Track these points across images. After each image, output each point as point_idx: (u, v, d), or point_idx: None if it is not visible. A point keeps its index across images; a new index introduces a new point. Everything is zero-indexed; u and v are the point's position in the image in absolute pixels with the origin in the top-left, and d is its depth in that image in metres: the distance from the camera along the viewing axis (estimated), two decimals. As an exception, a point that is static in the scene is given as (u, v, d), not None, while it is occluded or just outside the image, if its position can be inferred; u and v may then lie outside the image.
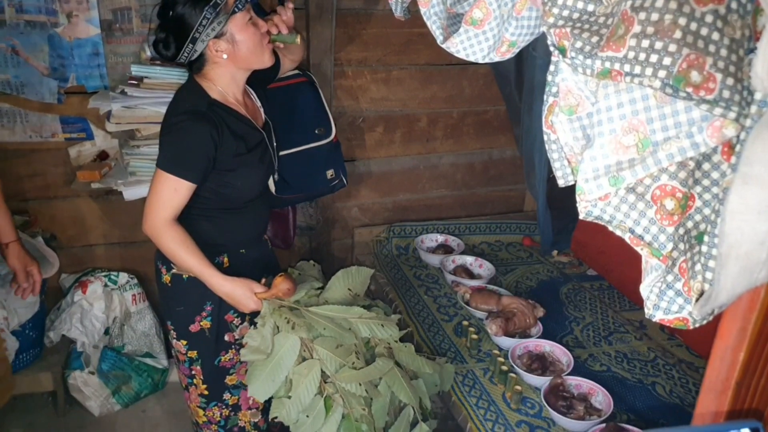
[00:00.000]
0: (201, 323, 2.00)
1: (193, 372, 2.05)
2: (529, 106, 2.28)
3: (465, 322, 2.43)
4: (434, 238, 3.13)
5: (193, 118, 1.81)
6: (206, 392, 2.07)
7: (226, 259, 2.01)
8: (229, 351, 2.05)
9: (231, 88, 1.92)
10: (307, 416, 1.82)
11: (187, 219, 1.89)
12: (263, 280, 1.92)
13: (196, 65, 1.88)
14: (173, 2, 1.77)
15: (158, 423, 2.70)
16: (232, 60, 1.85)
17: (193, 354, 2.03)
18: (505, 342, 2.28)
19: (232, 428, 2.13)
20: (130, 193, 2.52)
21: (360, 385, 1.83)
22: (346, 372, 1.85)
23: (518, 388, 2.04)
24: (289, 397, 1.82)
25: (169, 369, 2.86)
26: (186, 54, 1.82)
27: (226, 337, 2.04)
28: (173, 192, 1.81)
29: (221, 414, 2.10)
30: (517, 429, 1.95)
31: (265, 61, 1.91)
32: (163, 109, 2.48)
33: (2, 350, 2.11)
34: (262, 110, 2.09)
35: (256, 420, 2.14)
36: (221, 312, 2.00)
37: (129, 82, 2.49)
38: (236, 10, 1.79)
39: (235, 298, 1.89)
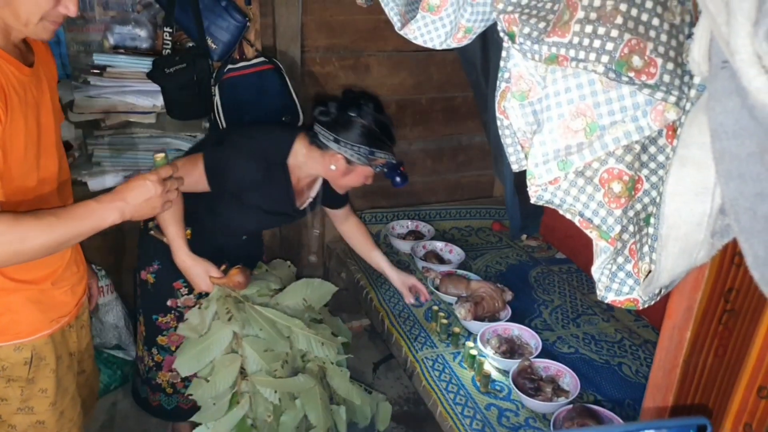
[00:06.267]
0: (147, 275, 2.14)
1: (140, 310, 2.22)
2: (495, 92, 2.29)
3: (435, 307, 2.45)
4: (405, 225, 3.13)
5: None
6: (144, 335, 2.21)
7: (189, 231, 2.06)
8: (168, 315, 2.15)
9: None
10: (214, 404, 1.92)
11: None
12: (222, 267, 1.97)
13: None
14: None
15: (128, 415, 2.68)
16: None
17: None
18: (474, 326, 2.30)
19: (151, 381, 2.24)
20: (95, 183, 2.49)
21: (275, 392, 1.90)
22: (263, 376, 1.91)
23: (487, 371, 2.07)
24: (208, 381, 1.91)
25: (139, 361, 2.84)
26: None
27: (169, 302, 2.13)
28: (196, 177, 1.94)
29: (150, 360, 2.22)
30: (487, 412, 1.97)
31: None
32: (128, 99, 2.48)
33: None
34: (309, 200, 2.21)
35: (175, 381, 2.23)
36: (168, 276, 2.08)
37: (92, 71, 2.45)
38: None
39: (191, 275, 1.95)
